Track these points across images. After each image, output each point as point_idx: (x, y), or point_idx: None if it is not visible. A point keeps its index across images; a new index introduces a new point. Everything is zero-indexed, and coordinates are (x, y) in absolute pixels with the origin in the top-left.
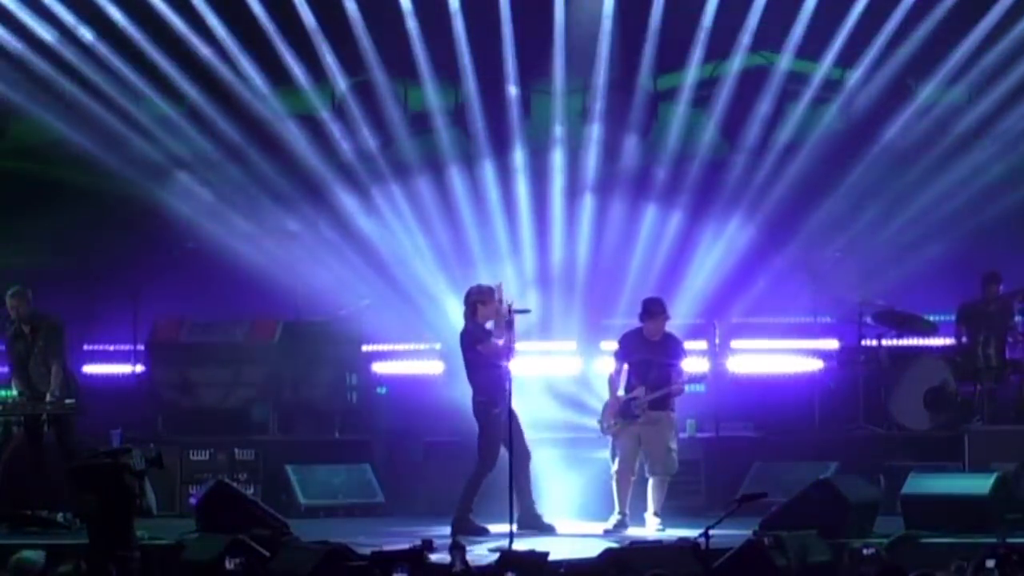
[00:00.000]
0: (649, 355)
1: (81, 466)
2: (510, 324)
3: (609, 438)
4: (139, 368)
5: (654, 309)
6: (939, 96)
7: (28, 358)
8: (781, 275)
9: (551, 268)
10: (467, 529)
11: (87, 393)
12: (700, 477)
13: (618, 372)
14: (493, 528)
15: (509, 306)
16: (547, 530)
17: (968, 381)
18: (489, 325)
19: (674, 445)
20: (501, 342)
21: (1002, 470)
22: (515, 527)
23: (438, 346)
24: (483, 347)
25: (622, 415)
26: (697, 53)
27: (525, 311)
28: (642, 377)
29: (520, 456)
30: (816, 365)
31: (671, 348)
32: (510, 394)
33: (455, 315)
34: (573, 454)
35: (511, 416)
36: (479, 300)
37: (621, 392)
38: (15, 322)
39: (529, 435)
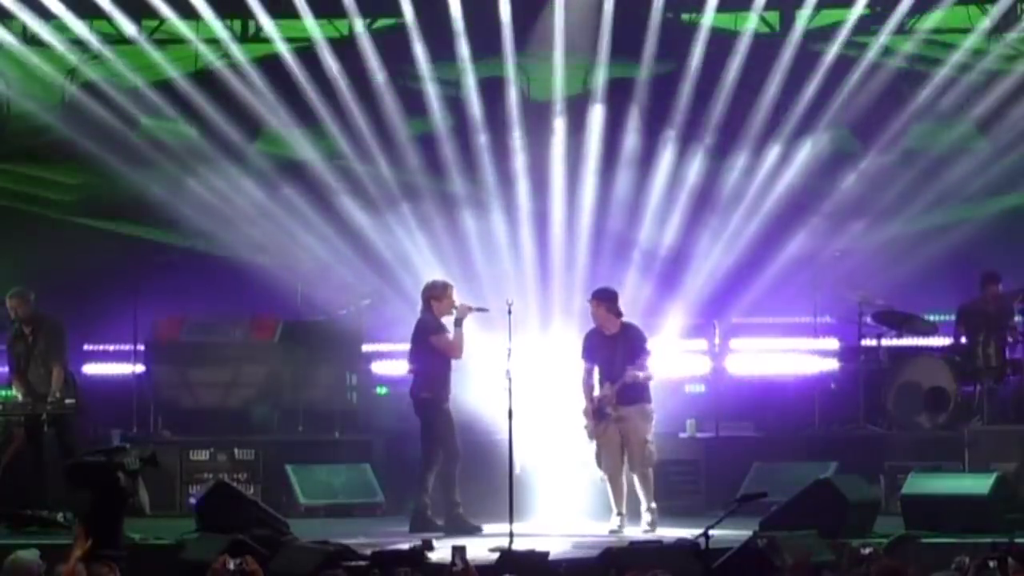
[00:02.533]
0: (609, 351)
1: (76, 464)
2: (459, 322)
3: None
4: (139, 368)
5: (599, 296)
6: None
7: (28, 359)
8: (781, 275)
9: (551, 269)
10: (462, 528)
11: (87, 393)
12: (700, 477)
13: (588, 373)
14: (491, 528)
15: (465, 305)
16: (476, 529)
17: (968, 381)
18: (446, 320)
19: (650, 437)
20: (451, 337)
21: (1002, 470)
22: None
23: None
24: (435, 339)
25: (596, 417)
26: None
27: (484, 310)
28: (604, 374)
29: (451, 456)
30: (818, 365)
31: (629, 339)
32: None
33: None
34: (573, 454)
35: (447, 415)
36: (433, 295)
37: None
38: (15, 323)
39: (531, 436)
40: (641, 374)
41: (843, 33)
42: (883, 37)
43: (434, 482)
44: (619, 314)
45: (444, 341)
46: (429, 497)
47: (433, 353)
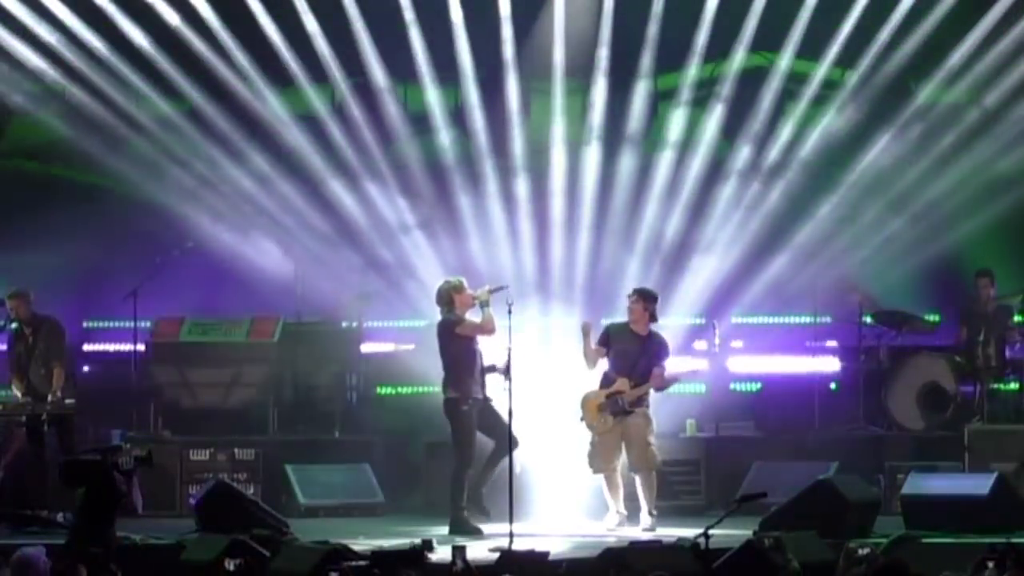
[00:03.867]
0: (635, 347)
1: (71, 461)
2: (486, 304)
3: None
4: (139, 368)
5: (642, 294)
6: (939, 96)
7: (28, 359)
8: (781, 275)
9: (551, 270)
10: (463, 529)
11: (87, 393)
12: (700, 477)
13: (595, 354)
14: (491, 528)
15: (484, 289)
16: (485, 513)
17: (968, 381)
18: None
19: (652, 439)
20: (479, 320)
21: (1002, 470)
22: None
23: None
24: (461, 328)
25: (612, 412)
26: (697, 52)
27: (503, 287)
28: (623, 370)
29: (464, 461)
30: (818, 365)
31: (658, 345)
32: (480, 386)
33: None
34: (573, 453)
35: (491, 412)
36: (453, 290)
37: (596, 385)
38: (15, 323)
39: (531, 436)
40: (673, 380)
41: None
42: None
43: (485, 470)
44: (655, 318)
45: (471, 326)
46: (467, 496)
47: (457, 352)
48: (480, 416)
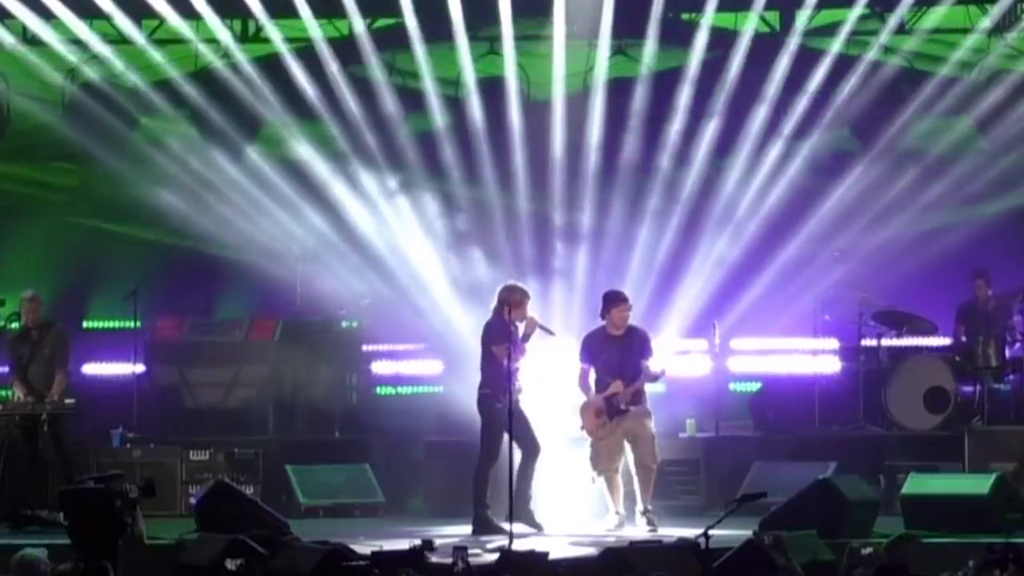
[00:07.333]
0: (617, 350)
1: (72, 490)
2: (527, 338)
3: (587, 442)
4: (139, 368)
5: (617, 296)
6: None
7: (31, 360)
8: (781, 275)
9: (552, 274)
10: (488, 528)
11: (87, 393)
12: (700, 477)
13: (585, 374)
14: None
15: (534, 321)
16: (538, 528)
17: (968, 381)
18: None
19: (654, 432)
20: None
21: (1002, 470)
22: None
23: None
24: (496, 348)
25: (608, 414)
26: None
27: (550, 332)
28: (614, 373)
29: (529, 452)
30: (818, 365)
31: (639, 340)
32: (513, 391)
33: (456, 316)
34: (573, 454)
35: (519, 413)
36: (512, 301)
37: (593, 393)
38: (23, 324)
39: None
40: (661, 372)
41: (843, 32)
42: (883, 36)
43: (522, 477)
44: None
45: (501, 353)
46: (525, 493)
47: (490, 354)
48: (512, 419)
